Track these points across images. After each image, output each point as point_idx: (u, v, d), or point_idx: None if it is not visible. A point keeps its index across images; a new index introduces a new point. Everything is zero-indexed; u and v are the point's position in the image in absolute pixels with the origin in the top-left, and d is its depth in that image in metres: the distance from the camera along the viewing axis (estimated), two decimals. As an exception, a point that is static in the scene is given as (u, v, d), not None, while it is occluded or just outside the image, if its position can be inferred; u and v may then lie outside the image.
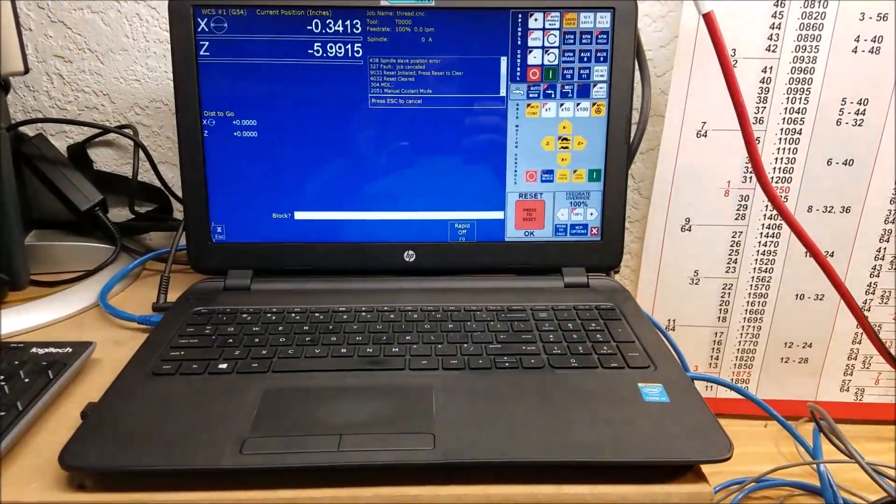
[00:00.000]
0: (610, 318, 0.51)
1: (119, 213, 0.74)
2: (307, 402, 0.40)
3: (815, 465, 0.60)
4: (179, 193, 0.67)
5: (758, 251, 0.68)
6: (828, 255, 0.66)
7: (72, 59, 0.72)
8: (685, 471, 0.37)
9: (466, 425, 0.39)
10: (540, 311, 0.52)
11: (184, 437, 0.37)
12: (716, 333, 0.71)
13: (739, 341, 0.71)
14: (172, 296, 0.57)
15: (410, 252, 0.59)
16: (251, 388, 0.42)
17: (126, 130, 0.72)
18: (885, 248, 0.67)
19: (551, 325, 0.50)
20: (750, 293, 0.69)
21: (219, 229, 0.59)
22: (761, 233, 0.68)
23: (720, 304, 0.70)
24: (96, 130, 0.73)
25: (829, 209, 0.66)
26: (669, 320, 0.70)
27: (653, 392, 0.41)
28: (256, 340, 0.48)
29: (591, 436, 0.37)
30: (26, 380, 0.42)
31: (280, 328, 0.50)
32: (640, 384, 0.42)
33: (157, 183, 0.73)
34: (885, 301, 0.68)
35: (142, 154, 0.71)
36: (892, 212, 0.65)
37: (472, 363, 0.45)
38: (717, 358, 0.71)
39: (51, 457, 0.36)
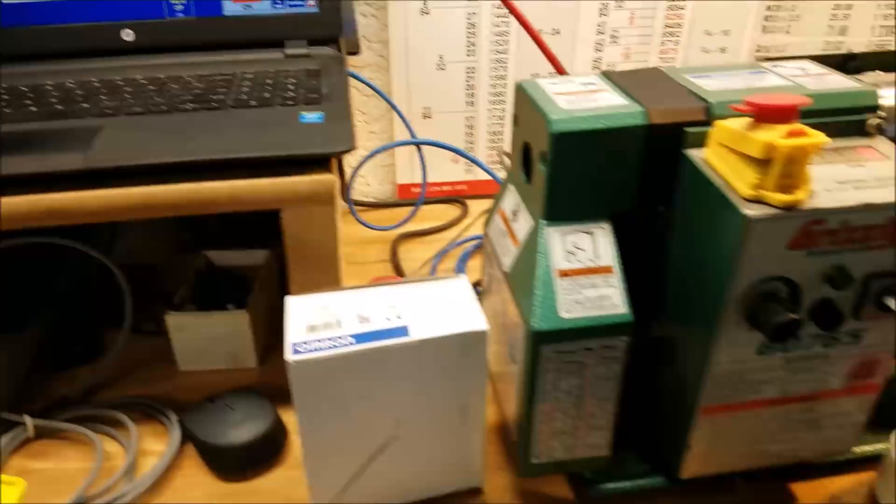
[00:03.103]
0: (310, 76, 0.59)
1: None
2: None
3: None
4: None
5: (493, 32, 0.77)
6: (554, 33, 0.76)
7: None
8: (315, 166, 0.46)
9: (120, 145, 0.46)
10: (247, 74, 0.59)
11: None
12: (467, 118, 0.81)
13: (489, 124, 0.81)
14: None
15: (128, 31, 0.63)
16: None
17: None
18: (605, 23, 0.77)
19: (250, 82, 0.57)
20: (490, 76, 0.79)
21: None
22: (493, 13, 0.76)
23: (467, 89, 0.79)
24: None
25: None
26: (425, 108, 0.79)
27: (311, 116, 0.49)
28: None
29: (236, 142, 0.46)
30: None
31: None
32: (302, 112, 0.50)
33: None
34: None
35: None
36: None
37: (155, 108, 0.52)
38: (472, 143, 0.82)
39: None
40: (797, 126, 0.33)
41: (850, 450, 0.45)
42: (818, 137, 0.32)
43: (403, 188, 0.85)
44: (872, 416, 0.48)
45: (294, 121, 0.49)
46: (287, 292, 0.46)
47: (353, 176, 0.71)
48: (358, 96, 0.80)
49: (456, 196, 0.85)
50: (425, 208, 0.82)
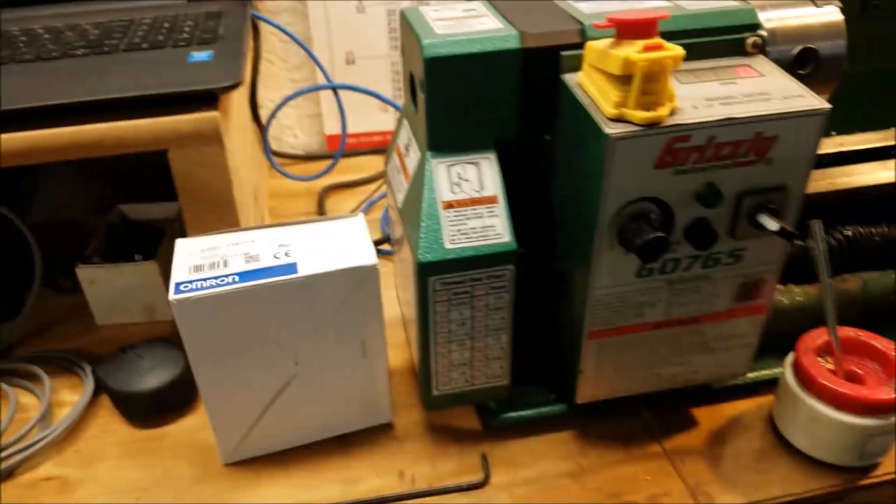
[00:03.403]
0: (210, 18, 0.58)
1: None
2: None
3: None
4: None
5: (413, -29, 0.75)
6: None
7: None
8: (205, 104, 0.45)
9: (3, 91, 0.45)
10: (146, 19, 0.58)
11: None
12: (392, 63, 0.80)
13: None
14: None
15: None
16: None
17: None
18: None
19: (147, 27, 0.56)
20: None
21: None
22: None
23: (390, 32, 0.78)
24: None
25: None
26: (348, 53, 0.78)
27: (200, 55, 0.49)
28: None
29: (120, 84, 0.45)
30: None
31: None
32: (192, 52, 0.49)
33: None
34: None
35: None
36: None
37: (45, 55, 0.50)
38: (399, 89, 0.81)
39: None
40: (654, 40, 0.33)
41: (746, 373, 0.47)
42: (675, 51, 0.32)
43: (333, 139, 0.84)
44: (769, 341, 0.50)
45: (182, 60, 0.48)
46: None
47: (268, 123, 0.70)
48: (278, 43, 0.78)
49: (385, 146, 0.85)
50: (355, 159, 0.82)
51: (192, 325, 0.39)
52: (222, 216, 0.47)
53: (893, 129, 0.53)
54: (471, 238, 0.39)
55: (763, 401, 0.50)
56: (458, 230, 0.39)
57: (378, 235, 0.68)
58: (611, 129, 0.33)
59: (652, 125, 0.33)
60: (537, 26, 0.39)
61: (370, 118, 0.82)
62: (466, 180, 0.40)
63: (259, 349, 0.41)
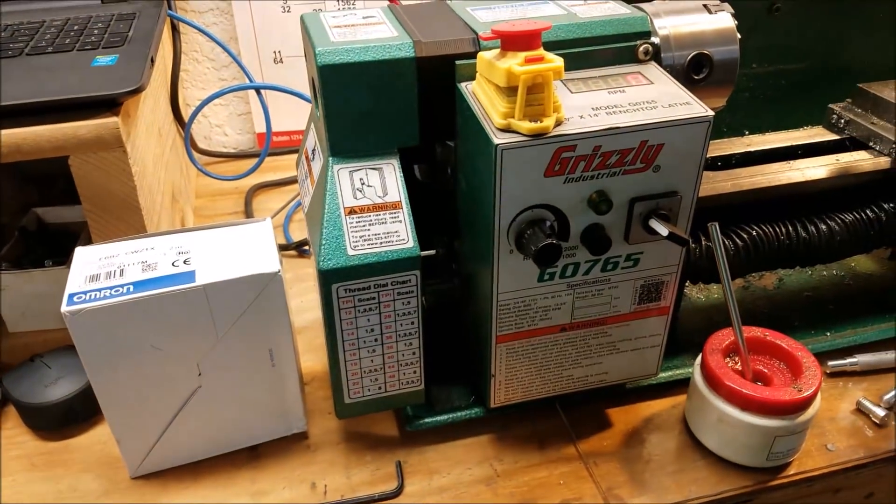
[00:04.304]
0: (121, 20, 0.58)
1: None
2: None
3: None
4: None
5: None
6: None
7: None
8: (106, 109, 0.46)
9: None
10: (56, 21, 0.58)
11: None
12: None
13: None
14: None
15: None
16: None
17: None
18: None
19: (56, 29, 0.56)
20: (343, 15, 0.78)
21: None
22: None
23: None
24: None
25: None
26: (275, 51, 0.79)
27: (104, 60, 0.49)
28: None
29: (17, 88, 0.45)
30: None
31: None
32: (97, 56, 0.50)
33: None
34: None
35: None
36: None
37: (-59, 58, 0.50)
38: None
39: None
40: (536, 52, 0.35)
41: (656, 373, 0.49)
42: (555, 62, 0.34)
43: (263, 137, 0.84)
44: (685, 338, 0.52)
45: (85, 65, 0.48)
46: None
47: (189, 123, 0.71)
48: (205, 43, 0.79)
49: (322, 145, 0.86)
50: (284, 157, 0.82)
51: (87, 338, 0.40)
52: (128, 222, 0.48)
53: (802, 128, 0.56)
54: (374, 244, 0.41)
55: (677, 400, 0.52)
56: (361, 236, 0.41)
57: (304, 236, 0.69)
58: (499, 140, 0.35)
59: (538, 135, 0.35)
60: (432, 35, 0.40)
61: (299, 116, 0.83)
62: (369, 186, 0.42)
63: (158, 361, 0.42)
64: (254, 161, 0.81)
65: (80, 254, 0.43)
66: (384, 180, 0.42)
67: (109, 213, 0.47)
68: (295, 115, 0.82)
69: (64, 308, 0.39)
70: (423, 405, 0.49)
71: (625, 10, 0.43)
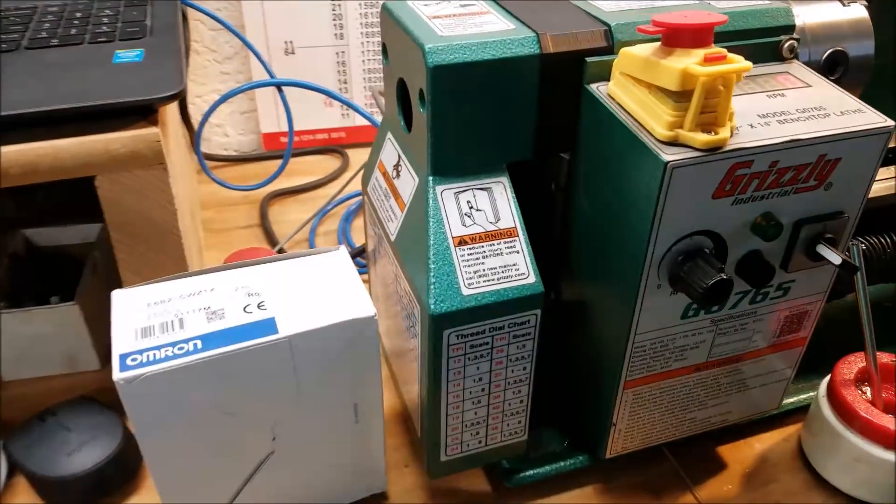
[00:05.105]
0: (132, 6, 0.50)
1: None
2: None
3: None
4: None
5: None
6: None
7: None
8: (136, 117, 0.39)
9: None
10: (51, 6, 0.50)
11: None
12: (337, 53, 0.74)
13: (363, 60, 0.75)
14: None
15: None
16: None
17: None
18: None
19: (55, 16, 0.48)
20: (360, 2, 0.72)
21: None
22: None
23: (333, 19, 0.72)
24: None
25: None
26: (287, 42, 0.72)
27: (128, 55, 0.42)
28: None
29: (24, 93, 0.38)
30: None
31: None
32: (117, 50, 0.42)
33: None
34: None
35: None
36: None
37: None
38: (345, 82, 0.76)
39: None
40: (716, 50, 0.29)
41: (779, 407, 0.45)
42: (740, 63, 0.29)
43: (270, 138, 0.77)
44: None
45: (106, 61, 0.41)
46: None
47: (201, 126, 0.63)
48: (206, 31, 0.71)
49: (333, 145, 0.79)
50: (299, 161, 0.75)
51: (145, 407, 0.33)
52: (167, 253, 0.41)
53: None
54: (490, 281, 0.35)
55: (788, 432, 0.48)
56: (475, 271, 0.35)
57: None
58: (668, 156, 0.30)
59: (714, 149, 0.30)
60: (554, 27, 0.34)
61: (313, 115, 0.76)
62: (479, 210, 0.36)
63: (227, 426, 0.36)
64: (256, 164, 0.74)
65: (121, 299, 0.36)
66: (495, 202, 0.36)
67: (145, 244, 0.40)
68: (306, 114, 0.75)
69: (116, 375, 0.32)
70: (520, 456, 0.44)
71: (765, 0, 0.38)
